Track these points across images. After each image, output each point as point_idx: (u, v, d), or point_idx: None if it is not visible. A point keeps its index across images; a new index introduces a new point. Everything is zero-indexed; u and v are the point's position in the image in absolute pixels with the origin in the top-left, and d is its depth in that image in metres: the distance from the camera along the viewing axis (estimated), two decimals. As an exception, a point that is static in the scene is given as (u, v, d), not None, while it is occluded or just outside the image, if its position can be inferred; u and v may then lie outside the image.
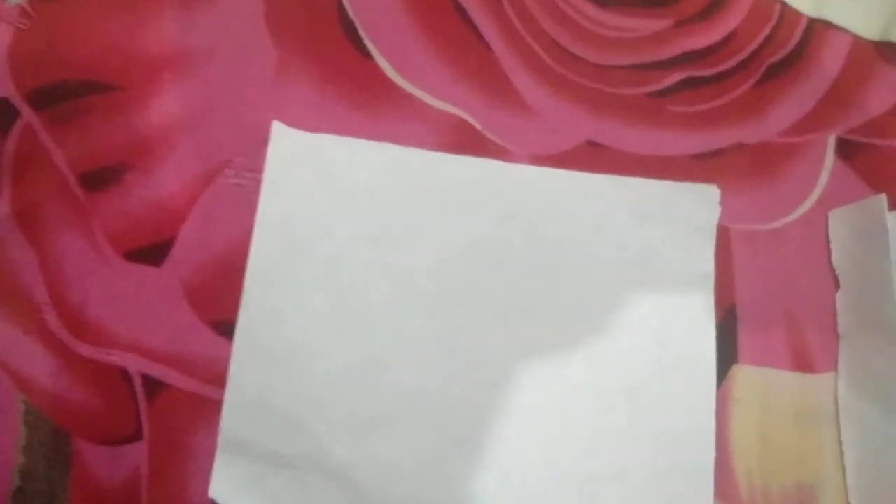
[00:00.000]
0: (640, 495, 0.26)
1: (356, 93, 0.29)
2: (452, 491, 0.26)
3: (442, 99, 0.30)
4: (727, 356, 0.28)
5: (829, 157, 0.30)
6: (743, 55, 0.31)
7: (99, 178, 0.28)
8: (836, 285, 0.29)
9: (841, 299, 0.28)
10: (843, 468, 0.27)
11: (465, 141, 0.29)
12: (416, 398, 0.27)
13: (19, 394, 0.27)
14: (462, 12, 0.30)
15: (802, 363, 0.28)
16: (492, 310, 0.27)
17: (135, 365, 0.27)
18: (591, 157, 0.29)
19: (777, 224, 0.29)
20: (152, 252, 0.28)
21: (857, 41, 0.31)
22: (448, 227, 0.28)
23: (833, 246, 0.29)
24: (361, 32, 0.30)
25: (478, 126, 0.29)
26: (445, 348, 0.27)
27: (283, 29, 0.29)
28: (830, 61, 0.31)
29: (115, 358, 0.27)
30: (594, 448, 0.27)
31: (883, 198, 0.27)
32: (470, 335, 0.27)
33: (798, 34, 0.31)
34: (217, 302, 0.27)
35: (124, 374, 0.27)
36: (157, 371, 0.27)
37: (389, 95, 0.29)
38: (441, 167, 0.29)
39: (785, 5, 0.31)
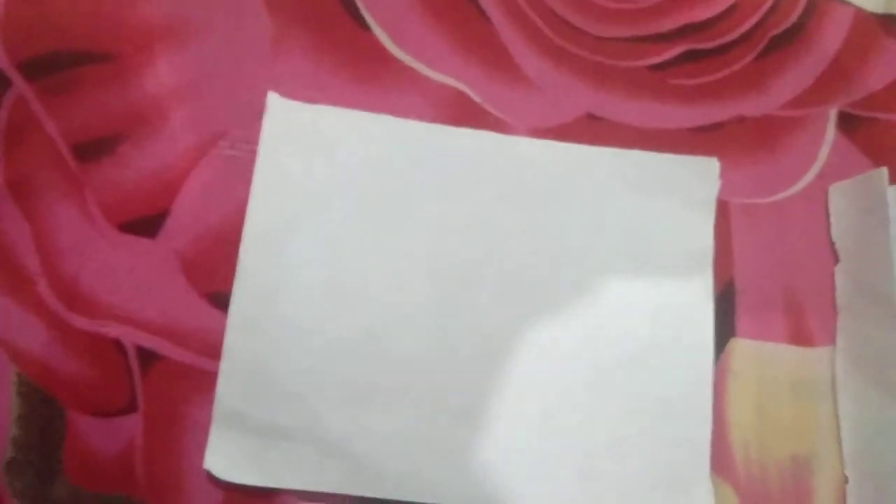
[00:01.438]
0: (637, 468, 0.26)
1: (353, 64, 0.29)
2: (449, 463, 0.26)
3: (440, 71, 0.29)
4: (725, 330, 0.28)
5: (831, 131, 0.30)
6: (744, 28, 0.30)
7: (92, 149, 0.28)
8: (836, 259, 0.28)
9: (840, 273, 0.28)
10: (840, 441, 0.27)
11: (464, 113, 0.29)
12: (413, 371, 0.26)
13: (12, 365, 0.26)
14: (460, -17, 0.30)
15: (800, 337, 0.28)
16: (489, 283, 0.27)
17: (129, 336, 0.27)
18: (591, 129, 0.29)
19: (777, 198, 0.29)
20: (146, 224, 0.27)
21: (860, 14, 0.31)
22: (445, 200, 0.28)
23: (833, 220, 0.29)
24: (359, 3, 0.29)
25: (477, 98, 0.29)
26: (442, 321, 0.27)
27: (279, -1, 0.29)
28: (832, 34, 0.31)
29: (110, 329, 0.27)
30: (592, 421, 0.26)
31: (884, 171, 0.27)
32: (467, 308, 0.27)
33: (800, 7, 0.31)
34: (212, 274, 0.27)
35: (118, 346, 0.27)
36: (151, 343, 0.27)
37: (387, 67, 0.29)
38: (439, 140, 0.28)
39: (787, -23, 0.31)
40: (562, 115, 0.29)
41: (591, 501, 0.26)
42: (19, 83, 0.28)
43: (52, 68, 0.28)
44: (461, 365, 0.27)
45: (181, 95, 0.28)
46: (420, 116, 0.29)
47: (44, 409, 0.26)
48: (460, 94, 0.29)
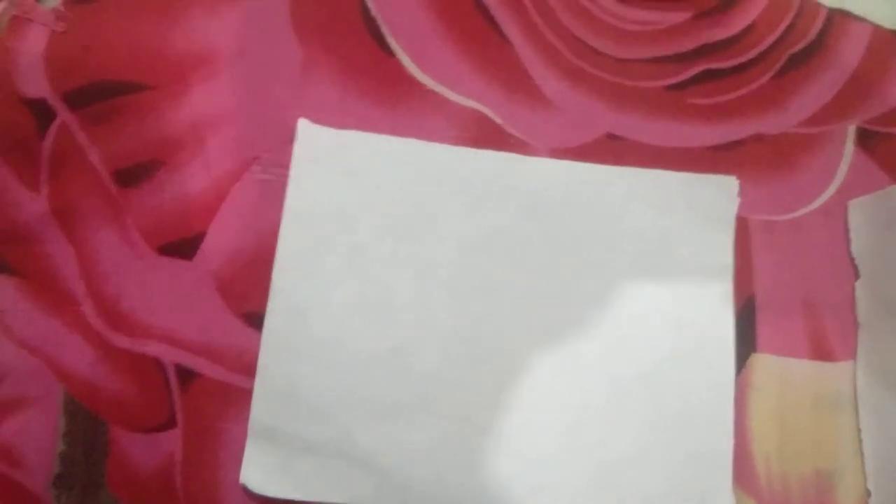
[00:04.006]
0: (658, 481, 0.27)
1: (379, 89, 0.30)
2: (473, 475, 0.27)
3: (463, 94, 0.30)
4: (746, 345, 0.28)
5: (849, 147, 0.30)
6: (762, 47, 0.31)
7: (132, 175, 0.29)
8: (856, 275, 0.29)
9: (861, 289, 0.29)
10: (862, 455, 0.27)
11: (486, 135, 0.30)
12: (438, 385, 0.27)
13: (59, 384, 0.28)
14: (482, 8, 0.31)
15: (821, 352, 0.28)
16: (512, 300, 0.28)
17: (168, 355, 0.28)
18: (611, 149, 0.30)
19: (796, 214, 0.30)
20: (184, 246, 0.28)
21: (878, 31, 0.31)
22: (469, 220, 0.29)
23: (853, 235, 0.29)
24: (384, 30, 0.30)
25: (498, 120, 0.30)
26: (466, 337, 0.28)
27: (309, 28, 0.30)
28: (850, 51, 0.31)
29: (150, 348, 0.28)
30: (612, 434, 0.27)
31: (902, 187, 0.27)
32: (490, 324, 0.28)
33: (818, 24, 0.31)
34: (246, 294, 0.28)
35: (158, 364, 0.28)
36: (189, 361, 0.28)
37: (411, 91, 0.30)
38: (462, 161, 0.29)
39: (804, -4, 0.31)
40: (582, 135, 0.30)
41: (615, 515, 0.26)
42: (63, 113, 0.29)
43: (93, 98, 0.29)
44: (484, 379, 0.27)
45: (215, 122, 0.29)
46: (443, 138, 0.29)
47: (89, 425, 0.27)
48: (482, 116, 0.30)
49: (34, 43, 0.29)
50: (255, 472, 0.26)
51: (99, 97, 0.29)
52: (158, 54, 0.30)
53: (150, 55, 0.30)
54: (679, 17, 0.31)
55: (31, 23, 0.29)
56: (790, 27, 0.31)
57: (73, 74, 0.29)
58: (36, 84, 0.29)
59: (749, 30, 0.31)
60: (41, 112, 0.29)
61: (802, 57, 0.31)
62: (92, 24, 0.29)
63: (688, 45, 0.31)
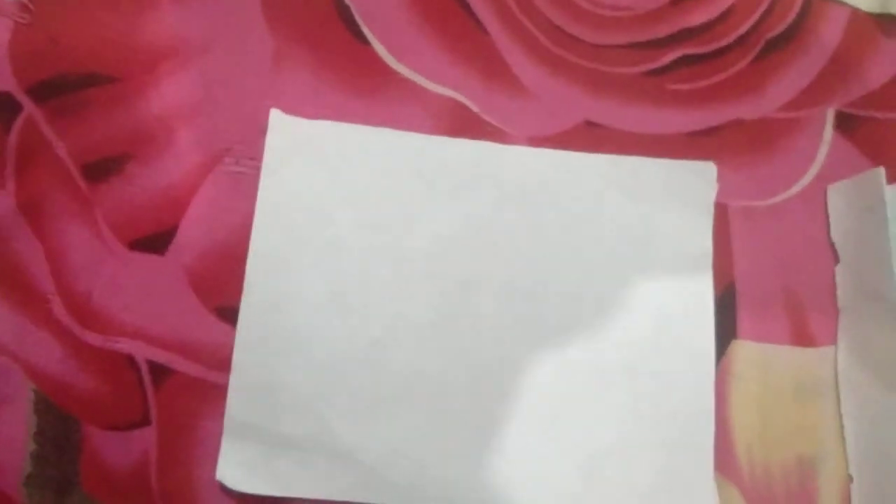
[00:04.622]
0: (641, 470, 0.26)
1: (353, 79, 0.29)
2: (455, 469, 0.26)
3: (439, 83, 0.30)
4: (726, 332, 0.28)
5: (828, 132, 0.30)
6: (740, 31, 0.31)
7: (101, 169, 0.28)
8: (836, 259, 0.29)
9: (840, 273, 0.28)
10: (843, 440, 0.27)
11: (463, 124, 0.29)
12: (417, 379, 0.27)
13: (29, 382, 0.27)
14: (457, -5, 0.30)
15: (801, 337, 0.28)
16: (491, 291, 0.28)
17: (141, 352, 0.27)
18: (589, 137, 0.29)
19: (776, 200, 0.29)
20: (155, 241, 0.28)
21: (856, 14, 0.31)
22: (446, 211, 0.28)
23: (832, 220, 0.29)
24: (357, 18, 0.30)
25: (475, 109, 0.30)
26: (446, 330, 0.27)
27: (280, 17, 0.30)
28: (829, 35, 0.31)
29: (122, 345, 0.27)
30: (595, 425, 0.27)
31: (881, 171, 0.27)
32: (469, 316, 0.27)
33: (796, 8, 0.31)
34: (220, 288, 0.28)
35: (131, 361, 0.27)
36: (162, 357, 0.27)
37: (387, 80, 0.30)
38: (439, 151, 0.29)
39: (782, -21, 0.31)
40: (560, 123, 0.30)
41: (596, 505, 0.26)
42: (29, 106, 0.29)
43: (60, 91, 0.29)
44: (465, 372, 0.27)
45: (186, 114, 0.29)
46: (420, 128, 0.29)
47: (60, 424, 0.27)
48: (459, 104, 0.30)
49: (-2, 35, 0.28)
50: (232, 468, 0.26)
51: (66, 90, 0.29)
52: (127, 45, 0.29)
53: (118, 46, 0.29)
54: (656, 2, 0.31)
55: (-7, 14, 0.29)
56: (768, 11, 0.31)
57: (39, 67, 0.29)
58: (0, 77, 0.28)
59: (727, 14, 0.31)
60: (6, 105, 0.28)
61: (781, 41, 0.31)
62: (58, 15, 0.29)
63: (665, 30, 0.31)
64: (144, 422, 0.27)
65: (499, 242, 0.28)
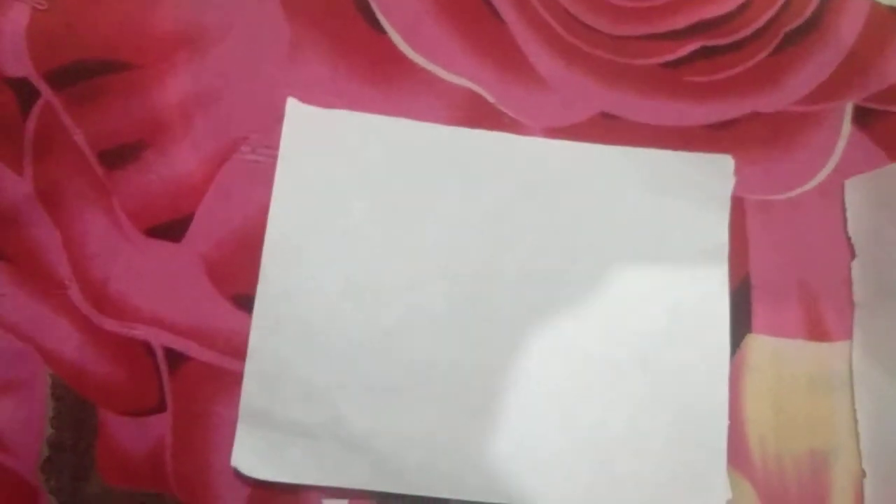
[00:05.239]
0: (653, 462, 0.27)
1: (370, 68, 0.29)
2: (467, 458, 0.26)
3: (455, 73, 0.30)
4: (741, 325, 0.28)
5: (846, 126, 0.30)
6: (759, 23, 0.30)
7: (118, 156, 0.28)
8: (852, 254, 0.28)
9: (857, 268, 0.28)
10: (857, 435, 0.27)
11: (479, 114, 0.29)
12: (432, 368, 0.27)
13: (46, 367, 0.27)
14: (474, -15, 0.30)
15: (817, 332, 0.28)
16: (506, 282, 0.28)
17: (157, 338, 0.27)
18: (606, 128, 0.29)
19: (793, 194, 0.29)
20: (172, 228, 0.28)
21: (875, 7, 0.31)
22: (462, 201, 0.28)
23: (849, 215, 0.29)
24: (374, 7, 0.30)
25: (491, 99, 0.30)
26: (460, 319, 0.27)
27: (297, 5, 0.30)
28: (847, 29, 0.30)
29: (138, 332, 0.27)
30: (608, 416, 0.27)
31: (900, 166, 0.27)
32: (484, 307, 0.27)
33: (814, 1, 0.31)
34: (236, 276, 0.28)
35: (147, 348, 0.27)
36: (178, 344, 0.27)
37: (403, 70, 0.30)
38: (455, 141, 0.29)
39: (802, -28, 0.31)
40: (576, 114, 0.30)
41: (608, 496, 0.26)
42: (47, 93, 0.29)
43: (77, 77, 0.29)
44: (479, 362, 0.27)
45: (202, 102, 0.29)
46: (436, 118, 0.29)
47: (77, 409, 0.27)
48: (475, 95, 0.29)
49: (16, 20, 0.29)
50: (247, 455, 0.26)
51: (83, 76, 0.29)
52: (144, 32, 0.29)
53: (136, 33, 0.29)
54: (675, -7, 0.31)
55: (12, 0, 0.28)
56: (786, 4, 0.31)
57: (57, 53, 0.29)
58: (18, 63, 0.28)
59: (745, 6, 0.30)
60: (24, 92, 0.28)
61: (799, 34, 0.30)
62: (75, 2, 0.29)
63: (683, 21, 0.30)
64: (160, 408, 0.27)
65: (513, 234, 0.28)
